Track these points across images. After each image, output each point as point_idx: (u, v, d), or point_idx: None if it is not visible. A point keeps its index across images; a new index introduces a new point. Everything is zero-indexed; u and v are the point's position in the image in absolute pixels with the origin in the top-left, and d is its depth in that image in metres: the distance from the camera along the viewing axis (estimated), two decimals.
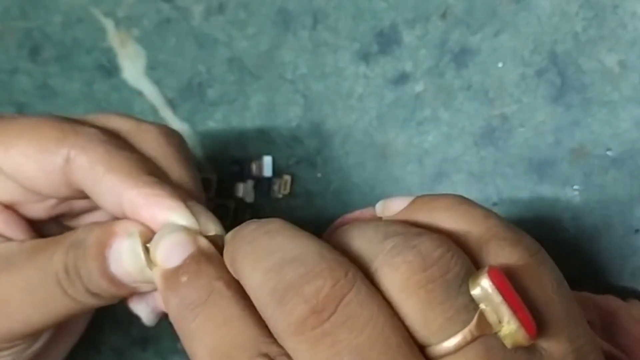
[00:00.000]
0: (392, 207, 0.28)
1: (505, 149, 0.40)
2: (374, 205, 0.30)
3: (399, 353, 0.23)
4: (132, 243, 0.28)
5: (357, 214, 0.30)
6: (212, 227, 0.28)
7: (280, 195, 0.41)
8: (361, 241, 0.25)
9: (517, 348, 0.24)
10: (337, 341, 0.23)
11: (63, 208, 0.32)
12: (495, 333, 0.23)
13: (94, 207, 0.33)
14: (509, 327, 0.23)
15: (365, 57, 0.41)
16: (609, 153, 0.40)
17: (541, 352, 0.24)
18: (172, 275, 0.26)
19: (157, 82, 0.42)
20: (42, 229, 0.33)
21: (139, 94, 0.42)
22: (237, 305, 0.25)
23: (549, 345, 0.24)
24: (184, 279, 0.26)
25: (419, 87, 0.41)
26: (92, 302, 0.29)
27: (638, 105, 0.40)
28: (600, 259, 0.40)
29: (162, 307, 0.30)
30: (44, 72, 0.42)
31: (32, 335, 0.31)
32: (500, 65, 0.40)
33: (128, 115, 0.32)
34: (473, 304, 0.23)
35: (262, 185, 0.41)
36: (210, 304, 0.25)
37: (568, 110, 0.40)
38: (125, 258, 0.28)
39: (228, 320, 0.25)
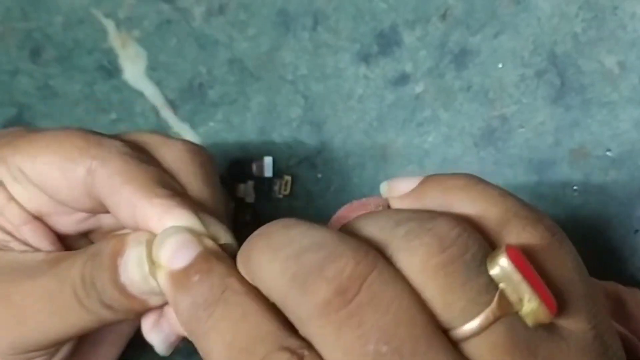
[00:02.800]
0: (399, 187, 0.28)
1: (505, 149, 0.40)
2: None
3: (425, 332, 0.22)
4: (139, 251, 0.28)
5: (364, 200, 0.30)
6: (222, 236, 0.28)
7: (280, 196, 0.41)
8: (373, 229, 0.25)
9: (539, 326, 0.23)
10: (363, 322, 0.22)
11: (91, 224, 0.33)
12: (517, 312, 0.23)
13: (121, 225, 0.33)
14: (530, 305, 0.23)
15: (365, 58, 0.41)
16: (608, 154, 0.40)
17: (561, 330, 0.24)
18: (181, 276, 0.26)
19: (158, 83, 0.42)
20: (72, 244, 0.33)
21: (140, 94, 0.42)
22: (252, 301, 0.25)
23: (568, 324, 0.24)
24: (195, 278, 0.26)
25: (419, 88, 0.41)
26: (106, 315, 0.29)
27: (637, 106, 0.40)
28: (600, 259, 0.40)
29: (175, 335, 0.30)
30: (45, 73, 0.42)
31: (47, 347, 0.31)
32: (500, 66, 0.40)
33: (159, 132, 0.32)
34: (493, 284, 0.23)
35: (263, 185, 0.41)
36: (224, 301, 0.25)
37: (568, 111, 0.40)
38: (131, 266, 0.28)
39: (244, 316, 0.24)
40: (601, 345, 0.24)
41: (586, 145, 0.40)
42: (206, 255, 0.26)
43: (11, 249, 0.31)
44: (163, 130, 0.41)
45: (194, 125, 0.42)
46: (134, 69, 0.42)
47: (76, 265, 0.29)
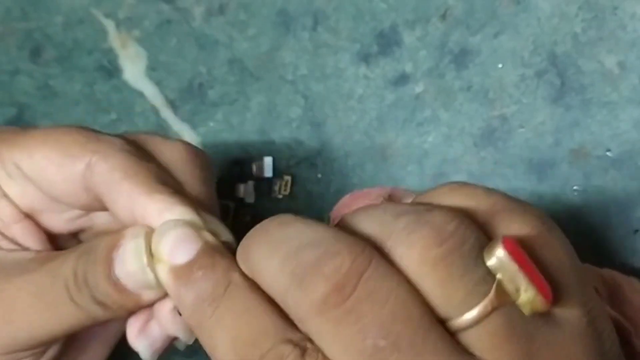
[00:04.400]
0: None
1: (505, 149, 0.40)
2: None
3: (422, 325, 0.23)
4: (137, 242, 0.28)
5: (365, 191, 0.30)
6: (222, 233, 0.28)
7: (280, 196, 0.41)
8: (371, 223, 0.25)
9: (535, 315, 0.24)
10: (361, 317, 0.23)
11: (82, 223, 0.32)
12: (514, 302, 0.23)
13: (114, 224, 0.33)
14: (527, 294, 0.23)
15: (365, 58, 0.41)
16: (608, 154, 0.40)
17: (556, 318, 0.24)
18: (184, 271, 0.26)
19: (158, 83, 0.42)
20: (61, 245, 0.33)
21: (140, 94, 0.42)
22: (255, 296, 0.25)
23: (562, 311, 0.24)
24: (199, 273, 0.26)
25: (419, 88, 0.41)
26: (97, 312, 0.29)
27: (637, 106, 0.40)
28: (600, 259, 0.40)
29: (161, 342, 0.30)
30: (45, 73, 0.42)
31: (37, 346, 0.30)
32: (500, 66, 0.41)
33: (159, 133, 0.32)
34: (490, 275, 0.23)
35: (263, 185, 0.41)
36: (228, 295, 0.25)
37: (568, 111, 0.40)
38: (128, 258, 0.28)
39: (248, 310, 0.25)
40: (595, 330, 0.25)
41: (586, 145, 0.40)
42: (209, 250, 0.27)
43: None
44: (163, 131, 0.41)
45: (194, 125, 0.42)
46: (134, 69, 0.42)
47: (69, 260, 0.29)
